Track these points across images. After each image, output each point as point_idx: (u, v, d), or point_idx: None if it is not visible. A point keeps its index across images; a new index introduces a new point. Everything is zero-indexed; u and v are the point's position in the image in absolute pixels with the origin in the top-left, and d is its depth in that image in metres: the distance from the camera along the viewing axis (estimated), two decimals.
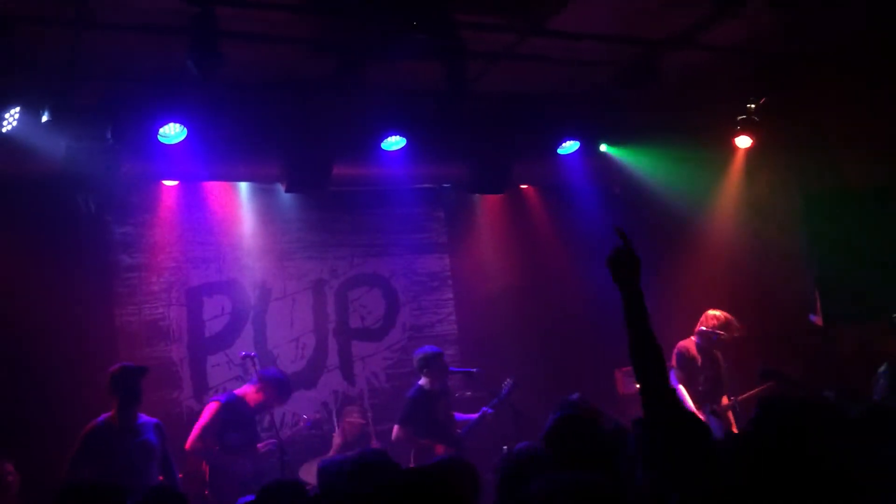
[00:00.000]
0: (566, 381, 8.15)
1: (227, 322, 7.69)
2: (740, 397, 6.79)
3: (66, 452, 5.37)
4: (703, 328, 6.89)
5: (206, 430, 6.07)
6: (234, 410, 6.17)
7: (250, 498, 3.76)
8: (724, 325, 6.87)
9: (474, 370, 7.21)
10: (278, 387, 6.38)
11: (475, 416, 6.91)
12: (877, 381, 4.89)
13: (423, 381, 6.88)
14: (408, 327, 8.51)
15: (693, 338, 6.99)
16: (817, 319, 6.73)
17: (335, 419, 7.44)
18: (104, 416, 5.42)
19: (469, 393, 7.54)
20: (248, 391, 6.33)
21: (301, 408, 7.65)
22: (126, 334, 7.28)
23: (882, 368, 4.84)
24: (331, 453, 6.99)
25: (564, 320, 8.73)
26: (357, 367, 8.26)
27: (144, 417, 5.49)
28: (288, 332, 7.99)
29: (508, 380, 6.90)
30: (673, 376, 7.01)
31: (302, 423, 7.36)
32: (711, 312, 6.94)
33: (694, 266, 8.10)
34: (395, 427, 6.84)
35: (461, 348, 8.47)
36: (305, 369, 7.98)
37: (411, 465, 6.46)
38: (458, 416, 7.04)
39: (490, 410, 6.81)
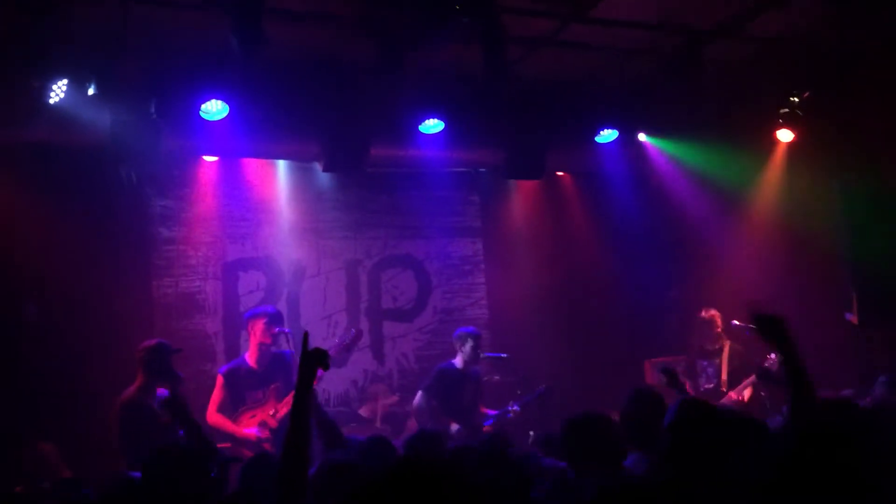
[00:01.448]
0: (595, 370, 8.19)
1: (262, 298, 7.78)
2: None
3: (102, 421, 5.51)
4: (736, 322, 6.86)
5: (214, 402, 6.18)
6: (235, 375, 6.22)
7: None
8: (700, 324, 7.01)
9: (504, 355, 7.28)
10: (260, 316, 6.30)
11: (498, 412, 6.94)
12: (873, 390, 4.84)
13: (457, 359, 6.98)
14: (439, 310, 8.56)
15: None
16: (853, 318, 6.67)
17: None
18: (132, 388, 5.48)
19: (497, 377, 7.57)
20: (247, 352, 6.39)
21: (332, 385, 7.76)
22: (162, 306, 7.41)
23: (882, 378, 4.79)
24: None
25: (595, 309, 8.72)
26: (387, 347, 8.33)
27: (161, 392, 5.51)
28: (321, 309, 8.08)
29: (542, 386, 6.92)
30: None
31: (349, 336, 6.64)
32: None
33: (727, 259, 8.04)
34: (419, 393, 6.95)
35: (491, 333, 8.50)
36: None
37: None
38: (486, 410, 7.07)
39: (517, 408, 6.82)
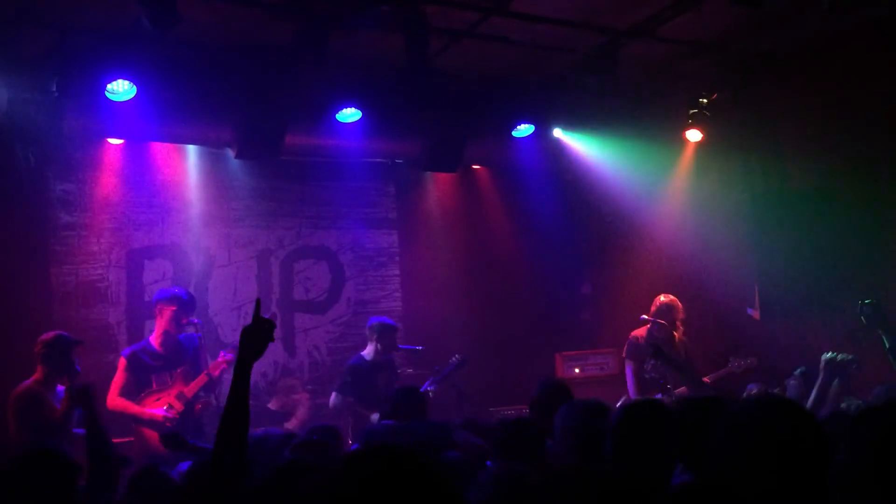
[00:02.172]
0: (508, 362, 8.27)
1: (169, 286, 7.52)
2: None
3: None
4: (644, 316, 6.96)
5: (116, 385, 5.97)
6: (139, 358, 6.03)
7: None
8: (663, 310, 6.85)
9: (419, 347, 7.27)
10: (170, 302, 6.10)
11: None
12: (788, 382, 5.04)
13: (367, 350, 6.97)
14: (353, 302, 8.46)
15: (646, 326, 7.00)
16: (755, 313, 6.92)
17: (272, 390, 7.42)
18: (29, 381, 5.26)
19: (411, 370, 7.54)
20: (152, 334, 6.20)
21: None
22: (62, 294, 7.07)
23: (797, 370, 4.98)
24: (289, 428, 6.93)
25: (509, 302, 8.79)
26: (299, 340, 8.19)
27: (60, 388, 5.32)
28: (231, 300, 7.87)
29: (456, 356, 6.94)
30: (627, 367, 7.06)
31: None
32: (658, 298, 6.93)
33: (640, 255, 8.24)
34: (333, 394, 6.92)
35: (405, 325, 8.44)
36: None
37: (349, 434, 6.54)
38: None
39: (431, 387, 6.83)
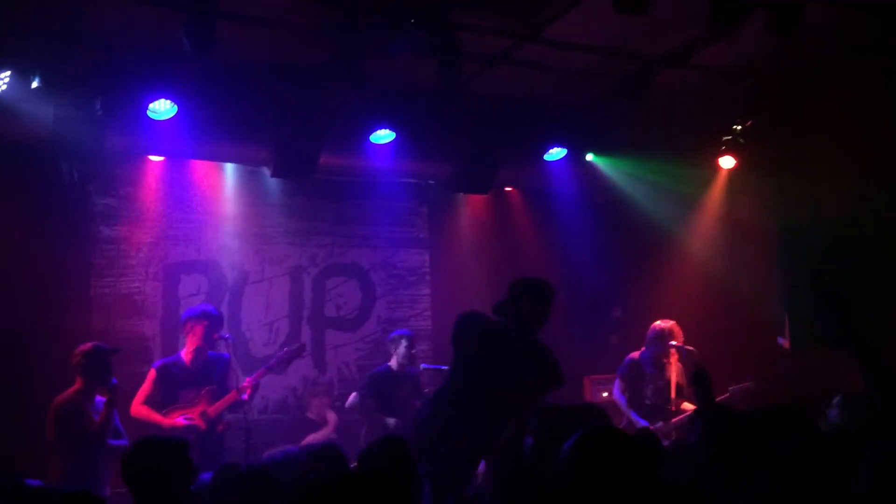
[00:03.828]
0: None
1: (203, 301, 7.64)
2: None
3: (37, 422, 5.38)
4: (673, 342, 6.91)
5: (142, 394, 6.03)
6: (169, 372, 6.08)
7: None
8: (655, 337, 6.80)
9: (445, 367, 7.29)
10: (200, 319, 6.15)
11: None
12: (829, 410, 4.97)
13: (391, 361, 7.19)
14: (382, 320, 8.54)
15: (642, 349, 6.98)
16: (785, 342, 6.86)
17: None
18: (69, 391, 5.39)
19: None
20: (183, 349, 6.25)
21: (270, 392, 7.68)
22: (100, 306, 7.24)
23: (837, 399, 4.91)
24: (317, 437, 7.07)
25: None
26: (329, 356, 8.28)
27: (98, 399, 5.44)
28: (263, 315, 7.99)
29: None
30: (616, 387, 7.07)
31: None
32: (654, 324, 6.87)
33: (669, 280, 8.21)
34: (353, 394, 7.21)
35: (434, 344, 8.51)
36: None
37: (362, 437, 6.74)
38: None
39: None
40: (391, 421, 6.78)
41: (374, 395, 6.99)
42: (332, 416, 7.50)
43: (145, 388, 6.08)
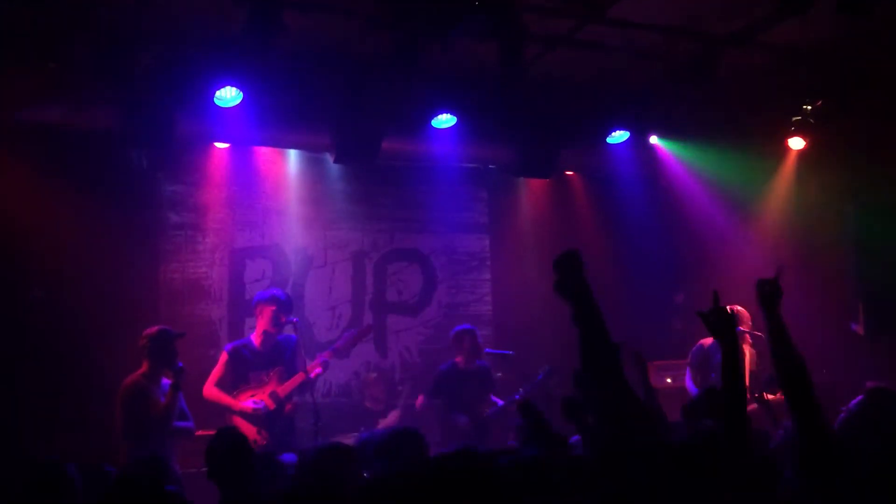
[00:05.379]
0: None
1: (268, 286, 7.74)
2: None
3: (106, 406, 5.55)
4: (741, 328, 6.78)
5: (214, 376, 6.18)
6: (240, 354, 6.21)
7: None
8: None
9: (509, 352, 7.31)
10: (269, 303, 6.25)
11: (504, 401, 6.99)
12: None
13: (458, 357, 7.08)
14: (443, 305, 8.57)
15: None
16: (859, 328, 6.68)
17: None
18: (136, 374, 5.53)
19: (500, 374, 7.58)
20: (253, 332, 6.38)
21: (333, 376, 7.77)
22: (168, 291, 7.42)
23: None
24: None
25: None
26: (391, 341, 8.35)
27: (165, 382, 5.58)
28: (326, 300, 8.09)
29: (546, 366, 6.95)
30: (687, 376, 6.96)
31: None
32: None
33: (736, 264, 8.03)
34: (420, 396, 7.12)
35: (496, 329, 8.51)
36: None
37: (436, 435, 6.62)
38: (496, 399, 7.13)
39: (517, 398, 6.83)
40: (462, 419, 6.77)
41: (441, 394, 6.97)
42: (393, 413, 7.48)
43: (217, 370, 6.23)
